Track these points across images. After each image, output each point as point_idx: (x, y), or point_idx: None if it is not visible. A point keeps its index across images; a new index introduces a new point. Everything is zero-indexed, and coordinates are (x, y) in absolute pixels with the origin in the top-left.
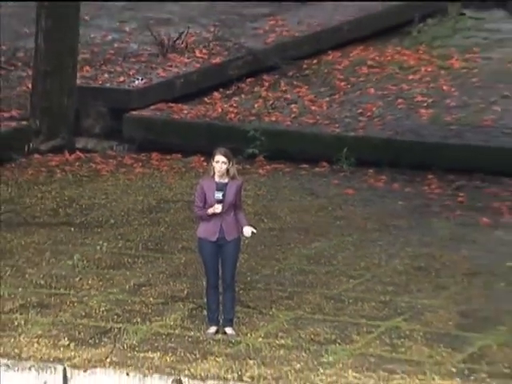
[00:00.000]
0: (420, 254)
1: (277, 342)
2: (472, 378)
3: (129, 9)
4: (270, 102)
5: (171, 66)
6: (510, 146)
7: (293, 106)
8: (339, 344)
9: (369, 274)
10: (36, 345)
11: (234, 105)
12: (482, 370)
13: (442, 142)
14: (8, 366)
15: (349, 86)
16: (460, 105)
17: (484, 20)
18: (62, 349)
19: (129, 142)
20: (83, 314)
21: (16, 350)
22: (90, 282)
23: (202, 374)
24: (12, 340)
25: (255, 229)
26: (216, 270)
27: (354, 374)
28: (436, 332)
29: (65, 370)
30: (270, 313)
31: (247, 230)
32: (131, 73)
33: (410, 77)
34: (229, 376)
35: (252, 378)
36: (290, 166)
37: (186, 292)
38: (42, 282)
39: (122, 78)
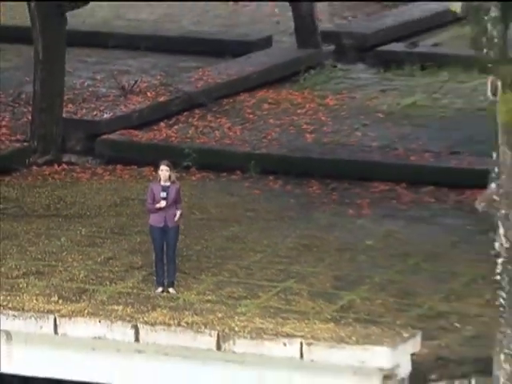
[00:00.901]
0: (305, 235)
1: (205, 298)
2: (342, 322)
3: (100, 63)
4: (200, 129)
5: (130, 104)
6: (367, 159)
7: (216, 131)
8: (249, 299)
9: (270, 250)
10: (35, 301)
11: (175, 131)
12: (349, 317)
13: (321, 156)
14: (15, 315)
15: (255, 118)
16: (333, 130)
17: (350, 70)
18: (53, 303)
19: (100, 158)
20: (68, 278)
21: (20, 305)
22: (72, 256)
23: (152, 321)
24: (17, 298)
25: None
26: (162, 248)
27: (260, 320)
28: (317, 291)
29: (55, 318)
30: (200, 277)
31: (177, 215)
32: (101, 109)
33: (299, 111)
34: (171, 322)
35: (187, 323)
36: (214, 174)
37: (140, 263)
38: (39, 257)
39: (95, 113)
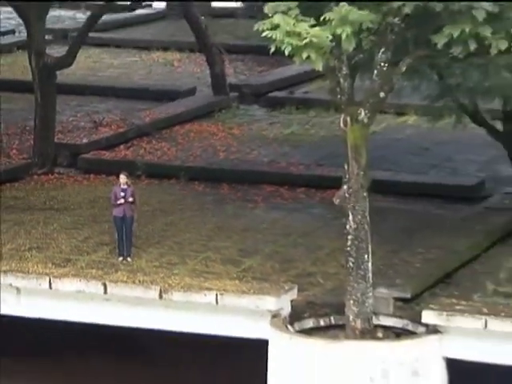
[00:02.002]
0: (219, 221)
1: (152, 264)
2: (244, 280)
3: (79, 106)
4: (148, 150)
5: (100, 133)
6: (261, 169)
7: (158, 151)
8: (181, 265)
9: (195, 231)
10: (36, 266)
11: (130, 151)
12: (249, 276)
13: (230, 168)
14: (22, 276)
15: (185, 142)
16: (238, 150)
17: (248, 110)
18: (48, 268)
19: (80, 169)
20: (58, 251)
21: (26, 269)
22: (62, 236)
23: (116, 280)
24: (24, 264)
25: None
26: (122, 230)
27: (188, 279)
28: (227, 258)
29: (50, 278)
30: (148, 250)
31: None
32: (81, 136)
33: (214, 137)
34: (128, 280)
35: (139, 281)
36: (157, 180)
37: (107, 241)
38: (39, 237)
39: (76, 139)
